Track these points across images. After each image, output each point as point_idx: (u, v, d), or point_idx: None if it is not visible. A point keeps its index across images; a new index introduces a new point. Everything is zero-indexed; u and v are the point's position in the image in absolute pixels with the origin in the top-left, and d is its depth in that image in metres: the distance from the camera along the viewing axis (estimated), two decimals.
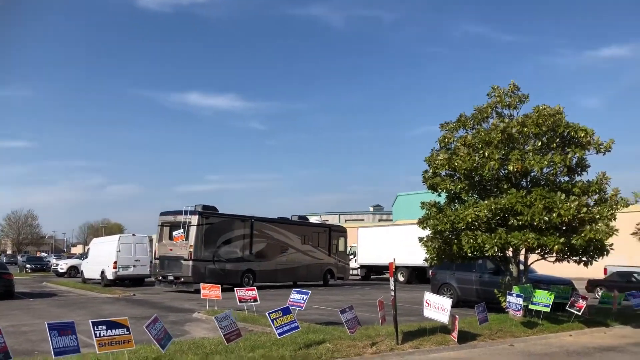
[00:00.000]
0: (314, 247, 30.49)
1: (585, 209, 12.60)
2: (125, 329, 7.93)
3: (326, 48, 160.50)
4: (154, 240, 25.89)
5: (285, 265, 28.30)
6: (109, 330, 7.75)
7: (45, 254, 76.73)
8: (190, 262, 23.36)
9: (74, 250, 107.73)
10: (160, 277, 24.76)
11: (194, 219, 23.87)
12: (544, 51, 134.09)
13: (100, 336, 7.60)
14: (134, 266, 27.87)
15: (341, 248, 32.44)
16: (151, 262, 29.17)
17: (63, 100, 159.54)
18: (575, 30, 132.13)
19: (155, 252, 25.39)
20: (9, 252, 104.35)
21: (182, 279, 23.38)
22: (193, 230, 23.69)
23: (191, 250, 23.44)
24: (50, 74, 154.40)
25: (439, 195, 15.22)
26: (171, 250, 24.20)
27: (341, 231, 33.17)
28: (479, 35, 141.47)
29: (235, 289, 14.88)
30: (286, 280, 28.32)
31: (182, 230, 23.48)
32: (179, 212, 24.39)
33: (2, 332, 6.98)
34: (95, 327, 7.64)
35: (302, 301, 12.71)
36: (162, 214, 25.68)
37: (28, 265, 47.06)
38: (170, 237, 24.25)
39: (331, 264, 31.53)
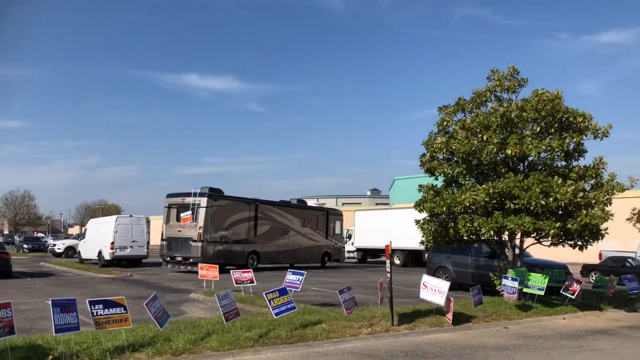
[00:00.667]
0: (313, 230, 31.10)
1: (581, 194, 12.67)
2: (122, 308, 7.98)
3: (324, 30, 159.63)
4: (162, 222, 25.82)
5: (286, 248, 28.84)
6: (106, 310, 7.80)
7: (42, 235, 76.80)
8: (200, 243, 23.72)
9: (71, 230, 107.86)
10: (168, 258, 24.96)
11: (203, 201, 24.13)
12: (543, 35, 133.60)
13: (97, 315, 7.65)
14: (131, 247, 27.94)
15: (337, 231, 33.06)
16: (148, 242, 29.32)
17: (59, 79, 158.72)
18: (575, 15, 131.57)
19: (162, 234, 25.45)
20: (5, 232, 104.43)
21: (191, 260, 23.59)
22: (202, 212, 23.97)
23: (200, 231, 23.76)
24: (46, 53, 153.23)
25: (436, 179, 15.25)
26: (180, 231, 24.46)
27: (338, 214, 33.73)
28: (477, 18, 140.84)
29: (231, 270, 14.95)
30: (287, 262, 28.70)
31: (190, 212, 23.74)
32: (187, 194, 24.58)
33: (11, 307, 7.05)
34: (93, 306, 7.69)
35: (298, 282, 12.78)
36: (169, 195, 25.85)
37: (25, 246, 47.11)
38: (178, 219, 24.53)
39: (328, 246, 32.12)
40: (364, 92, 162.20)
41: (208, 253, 24.00)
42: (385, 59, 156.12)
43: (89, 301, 7.72)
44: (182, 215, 23.99)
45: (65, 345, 7.75)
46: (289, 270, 13.34)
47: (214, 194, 24.83)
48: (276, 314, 9.68)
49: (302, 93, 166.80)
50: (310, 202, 35.99)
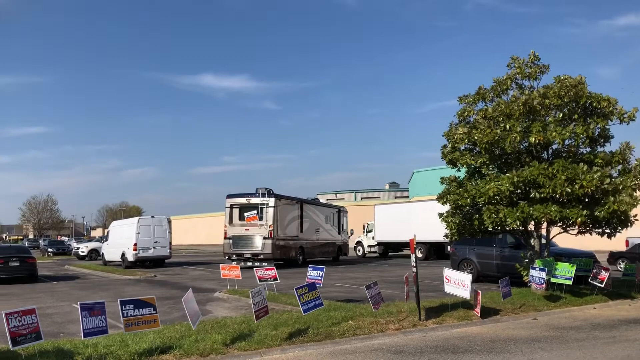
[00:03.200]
0: (332, 226, 33.25)
1: (608, 180, 12.38)
2: (152, 308, 7.95)
3: (336, 25, 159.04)
4: (225, 221, 27.21)
5: (318, 242, 30.94)
6: (137, 310, 7.78)
7: (66, 238, 77.80)
8: (270, 241, 25.52)
9: (93, 233, 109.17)
10: (234, 255, 26.19)
11: (272, 201, 25.90)
12: (557, 22, 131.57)
13: (127, 316, 7.63)
14: (153, 247, 28.08)
15: (345, 227, 35.45)
16: (170, 243, 29.50)
17: (77, 85, 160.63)
18: (588, 0, 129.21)
19: (225, 233, 26.81)
20: (30, 236, 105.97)
21: (262, 256, 25.40)
22: (271, 212, 25.77)
23: (271, 229, 25.58)
24: (65, 59, 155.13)
25: (459, 170, 15.04)
26: (247, 230, 25.93)
27: (345, 211, 36.09)
28: (490, 7, 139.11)
29: (254, 268, 14.93)
30: (319, 256, 30.66)
31: (255, 212, 25.52)
32: (252, 195, 26.40)
33: (36, 312, 7.05)
34: (124, 306, 7.67)
35: (319, 277, 12.75)
36: (230, 196, 27.33)
37: (50, 249, 47.77)
38: (241, 218, 26.21)
39: (341, 241, 34.42)
40: (377, 86, 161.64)
41: (276, 250, 25.92)
42: (397, 51, 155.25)
43: (120, 301, 7.71)
44: (246, 214, 25.71)
45: (93, 348, 7.76)
46: (309, 266, 13.32)
47: (278, 195, 26.66)
48: (304, 311, 9.61)
49: (316, 89, 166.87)
50: (322, 200, 38.28)
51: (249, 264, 25.20)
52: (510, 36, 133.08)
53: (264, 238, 25.56)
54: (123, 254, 28.22)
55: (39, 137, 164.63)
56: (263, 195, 25.93)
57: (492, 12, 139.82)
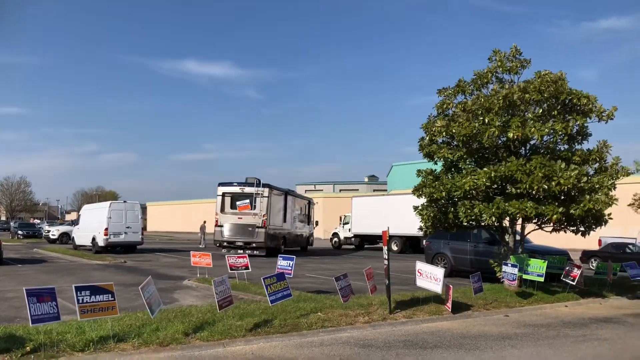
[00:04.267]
0: (304, 217, 33.89)
1: (585, 178, 12.29)
2: (110, 295, 7.59)
3: (323, 16, 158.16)
4: (216, 209, 27.06)
5: (294, 233, 31.25)
6: (93, 296, 7.41)
7: (38, 221, 76.36)
8: (264, 229, 25.88)
9: (68, 217, 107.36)
10: (225, 243, 26.36)
11: (266, 191, 26.30)
12: (543, 21, 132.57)
13: (83, 302, 7.26)
14: (125, 233, 27.47)
15: (312, 218, 36.19)
16: (143, 229, 28.96)
17: (57, 66, 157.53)
18: (574, 1, 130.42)
19: (217, 221, 26.69)
20: (3, 218, 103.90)
21: (254, 244, 25.86)
22: (265, 201, 26.15)
23: (265, 218, 25.98)
24: (44, 40, 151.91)
25: (435, 163, 14.85)
26: (240, 218, 26.10)
27: (314, 203, 37.18)
28: (478, 4, 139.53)
29: (226, 255, 14.60)
30: (294, 246, 31.15)
31: (247, 200, 25.91)
32: (245, 184, 26.64)
33: None
34: (79, 292, 7.30)
35: (289, 267, 12.52)
36: (223, 184, 27.24)
37: (20, 232, 46.64)
38: (233, 207, 26.35)
39: (309, 232, 34.90)
40: (362, 79, 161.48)
41: (269, 237, 26.39)
42: (383, 45, 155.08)
43: (75, 287, 7.33)
44: (238, 203, 25.99)
45: (46, 335, 7.37)
46: (279, 255, 13.09)
47: (270, 185, 26.98)
48: (272, 301, 9.34)
49: (300, 79, 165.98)
50: (301, 190, 38.92)
51: (241, 251, 25.04)
52: (495, 34, 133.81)
53: (258, 227, 25.85)
54: (94, 239, 27.59)
55: (15, 118, 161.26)
56: (258, 185, 26.21)
57: (478, 9, 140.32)
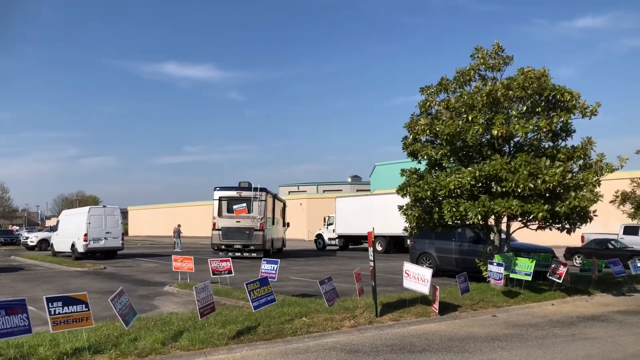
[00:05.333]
0: (281, 219, 33.94)
1: (570, 175, 12.21)
2: (83, 305, 7.24)
3: (304, 16, 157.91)
4: (213, 213, 27.33)
5: (277, 235, 31.37)
6: (66, 307, 7.06)
7: (17, 227, 74.96)
8: (262, 232, 26.40)
9: (48, 223, 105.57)
10: (223, 246, 26.65)
11: (263, 196, 26.96)
12: (521, 21, 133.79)
13: (55, 314, 6.92)
14: (105, 238, 26.88)
15: (286, 220, 36.07)
16: (123, 234, 28.43)
17: (36, 70, 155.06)
18: (552, 1, 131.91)
19: (215, 224, 26.96)
20: None
21: (252, 247, 26.33)
22: (263, 205, 26.76)
23: (263, 222, 26.47)
24: (23, 43, 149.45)
25: (419, 162, 14.69)
26: (239, 222, 26.37)
27: (286, 205, 37.13)
28: (456, 4, 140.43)
29: (209, 260, 14.28)
30: (278, 247, 31.70)
31: (244, 204, 26.04)
32: (242, 189, 27.19)
33: None
34: (50, 304, 6.94)
35: (274, 271, 12.25)
36: (220, 188, 27.52)
37: None
38: (229, 210, 26.47)
39: (284, 234, 34.97)
40: (344, 79, 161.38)
41: (266, 241, 26.92)
42: (364, 46, 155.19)
43: (46, 298, 6.97)
44: (235, 207, 26.01)
45: (17, 349, 7.02)
46: (263, 259, 12.81)
47: (267, 190, 27.63)
48: (255, 307, 9.06)
49: (282, 81, 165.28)
50: (285, 191, 38.63)
51: (238, 254, 26.19)
52: (476, 33, 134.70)
53: (256, 230, 26.38)
54: (73, 245, 26.97)
55: None
56: (255, 189, 26.81)
57: (457, 9, 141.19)
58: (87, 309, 7.25)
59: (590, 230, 26.44)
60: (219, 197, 27.25)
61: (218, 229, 26.83)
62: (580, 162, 13.30)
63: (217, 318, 9.30)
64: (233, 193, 27.21)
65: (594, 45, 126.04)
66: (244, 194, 26.92)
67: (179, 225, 37.20)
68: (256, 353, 7.77)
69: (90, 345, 7.36)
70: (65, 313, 7.01)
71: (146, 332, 8.29)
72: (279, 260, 12.67)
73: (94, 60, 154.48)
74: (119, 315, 7.71)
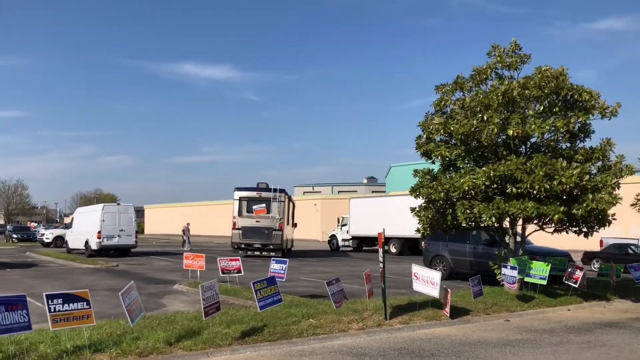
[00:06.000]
0: (292, 219, 33.76)
1: (587, 177, 11.84)
2: (84, 303, 7.09)
3: (322, 18, 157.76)
4: (233, 212, 28.13)
5: (290, 236, 31.74)
6: (66, 305, 6.91)
7: (35, 224, 75.76)
8: (280, 232, 27.43)
9: (66, 220, 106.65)
10: (243, 245, 27.52)
11: (283, 197, 27.91)
12: (541, 22, 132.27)
13: (55, 311, 6.77)
14: (118, 236, 26.97)
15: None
16: (137, 232, 28.49)
17: (55, 69, 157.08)
18: (573, 2, 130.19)
19: (235, 224, 27.72)
20: (1, 222, 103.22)
21: (271, 246, 27.21)
22: (282, 206, 27.77)
23: (281, 222, 27.46)
24: (42, 43, 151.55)
25: (433, 162, 14.42)
26: (258, 222, 27.40)
27: (295, 206, 36.55)
28: (475, 6, 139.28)
29: (218, 258, 14.13)
30: (289, 248, 31.60)
31: (264, 205, 27.35)
32: (262, 189, 28.26)
33: None
34: (50, 300, 6.82)
35: (282, 271, 12.07)
36: (240, 189, 28.39)
37: (14, 235, 46.16)
38: (249, 210, 27.53)
39: (292, 234, 34.54)
40: (361, 81, 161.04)
41: (284, 241, 27.93)
42: (382, 48, 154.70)
43: (46, 295, 6.85)
44: (254, 207, 27.29)
45: (18, 345, 6.92)
46: (272, 259, 12.64)
47: (285, 191, 28.57)
48: (261, 307, 8.87)
49: (299, 82, 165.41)
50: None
51: (257, 253, 27.19)
52: (495, 35, 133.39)
53: (275, 230, 27.33)
54: (87, 242, 27.10)
55: (13, 122, 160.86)
56: (275, 190, 27.77)
57: (476, 11, 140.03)
58: (88, 307, 7.10)
59: (610, 235, 25.92)
60: (239, 197, 28.03)
61: (238, 228, 27.60)
62: (599, 163, 12.91)
63: (223, 318, 9.15)
64: (253, 194, 28.08)
65: (615, 47, 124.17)
66: (264, 194, 27.81)
67: (188, 224, 37.20)
68: (260, 354, 7.59)
69: (91, 343, 7.25)
70: (66, 310, 6.86)
71: (149, 331, 8.16)
72: (288, 260, 12.47)
73: (113, 60, 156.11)
74: (127, 311, 7.56)
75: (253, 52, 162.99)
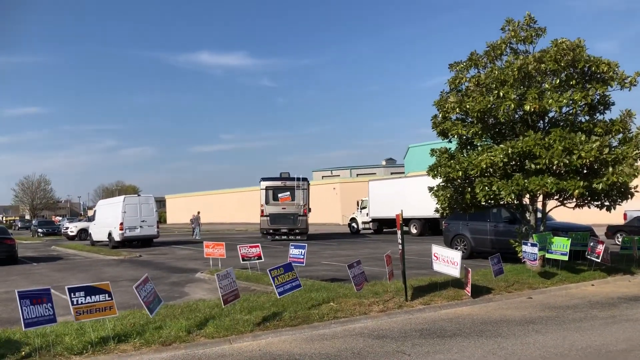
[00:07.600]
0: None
1: (607, 150, 11.63)
2: (106, 295, 7.23)
3: (335, 2, 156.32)
4: (261, 201, 30.13)
5: (306, 220, 32.00)
6: (88, 297, 7.06)
7: (60, 218, 76.99)
8: (305, 217, 29.97)
9: (90, 213, 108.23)
10: (271, 230, 29.92)
11: (305, 185, 30.24)
12: None
13: (77, 304, 6.92)
14: (140, 227, 27.29)
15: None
16: (158, 222, 28.80)
17: (74, 64, 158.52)
18: None
19: (262, 211, 29.96)
20: (27, 217, 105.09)
21: (297, 230, 29.77)
22: (305, 193, 30.09)
23: (305, 208, 29.87)
24: (62, 38, 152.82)
25: (450, 141, 14.27)
26: (284, 209, 29.75)
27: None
28: None
29: (238, 246, 14.22)
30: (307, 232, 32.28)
31: (288, 192, 29.66)
32: (286, 179, 30.64)
33: None
34: (73, 294, 6.95)
35: (302, 256, 12.08)
36: (265, 179, 30.61)
37: (40, 230, 46.94)
38: (275, 198, 29.73)
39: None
40: (375, 63, 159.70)
41: (308, 225, 30.43)
42: (395, 28, 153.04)
43: (69, 288, 6.98)
44: (279, 195, 29.61)
45: (43, 338, 7.06)
46: (291, 244, 12.66)
47: (307, 179, 30.75)
48: (279, 293, 8.92)
49: (313, 66, 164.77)
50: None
51: (284, 237, 29.24)
52: (514, 11, 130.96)
53: (300, 215, 29.75)
54: (110, 234, 27.51)
55: (36, 118, 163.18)
56: (298, 179, 30.03)
57: None
58: (110, 298, 7.22)
59: (634, 207, 25.51)
60: (265, 187, 30.11)
61: (266, 215, 29.87)
62: (619, 136, 12.66)
63: (244, 304, 9.22)
64: (278, 183, 30.31)
65: (638, 14, 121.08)
66: (288, 183, 30.07)
67: (199, 213, 37.37)
68: (281, 339, 7.64)
69: (115, 334, 7.37)
70: (88, 303, 7.00)
71: (172, 320, 8.27)
72: (306, 245, 12.50)
73: (129, 52, 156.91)
74: (144, 303, 7.66)
75: (267, 38, 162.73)
